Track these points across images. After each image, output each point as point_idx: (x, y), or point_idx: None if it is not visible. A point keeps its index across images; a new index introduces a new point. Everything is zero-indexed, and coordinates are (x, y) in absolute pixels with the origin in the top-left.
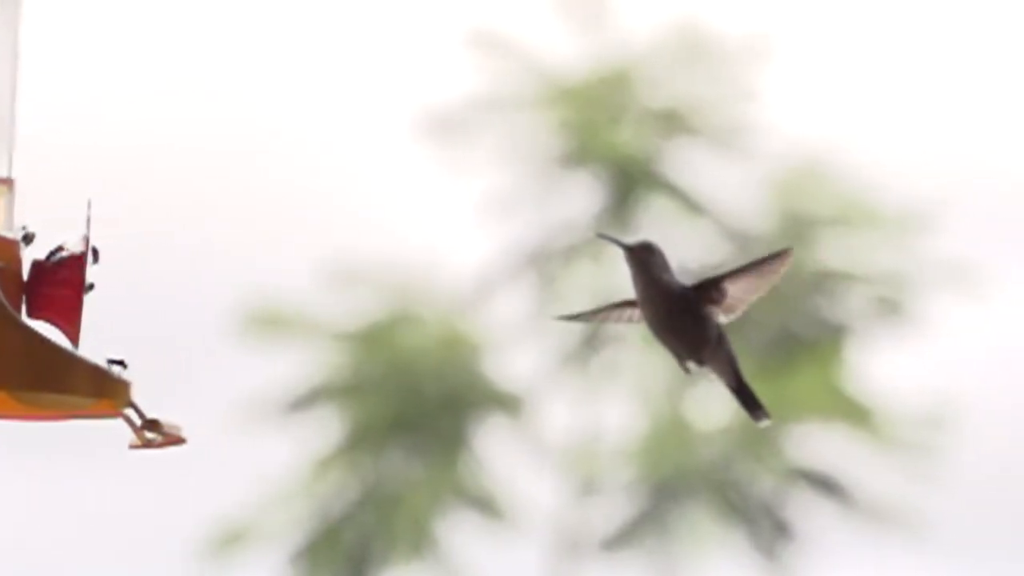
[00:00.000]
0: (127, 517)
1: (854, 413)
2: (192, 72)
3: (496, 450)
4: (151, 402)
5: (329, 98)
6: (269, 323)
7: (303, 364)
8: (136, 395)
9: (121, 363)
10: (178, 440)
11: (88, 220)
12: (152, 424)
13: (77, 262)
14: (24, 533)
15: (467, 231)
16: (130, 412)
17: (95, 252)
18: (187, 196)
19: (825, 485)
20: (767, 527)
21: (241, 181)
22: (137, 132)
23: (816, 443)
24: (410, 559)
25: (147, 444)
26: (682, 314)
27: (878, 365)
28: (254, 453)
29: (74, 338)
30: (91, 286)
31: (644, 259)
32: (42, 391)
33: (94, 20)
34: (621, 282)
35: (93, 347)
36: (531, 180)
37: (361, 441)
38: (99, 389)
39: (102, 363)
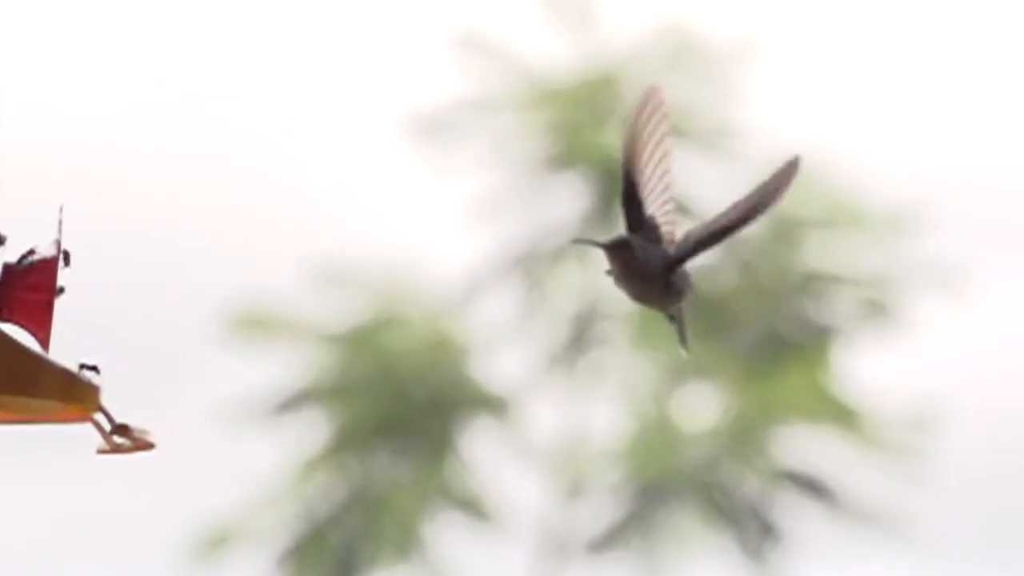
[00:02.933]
0: (112, 519)
1: (840, 415)
2: (176, 71)
3: (483, 452)
4: (138, 404)
5: (315, 99)
6: (255, 325)
7: (289, 366)
8: (123, 398)
9: (94, 368)
10: (147, 445)
11: (60, 224)
12: (121, 429)
13: (48, 266)
14: (6, 536)
15: (453, 233)
16: (99, 417)
17: (66, 256)
18: (171, 197)
19: (811, 487)
20: (753, 529)
21: (226, 182)
22: (120, 133)
23: (802, 445)
24: (397, 561)
25: (116, 449)
26: (667, 288)
27: (865, 367)
28: (240, 455)
29: (44, 342)
30: (62, 290)
31: (624, 256)
32: (11, 394)
33: (74, 16)
34: (608, 284)
35: (78, 349)
36: (518, 182)
37: (348, 443)
38: (69, 393)
39: (74, 367)
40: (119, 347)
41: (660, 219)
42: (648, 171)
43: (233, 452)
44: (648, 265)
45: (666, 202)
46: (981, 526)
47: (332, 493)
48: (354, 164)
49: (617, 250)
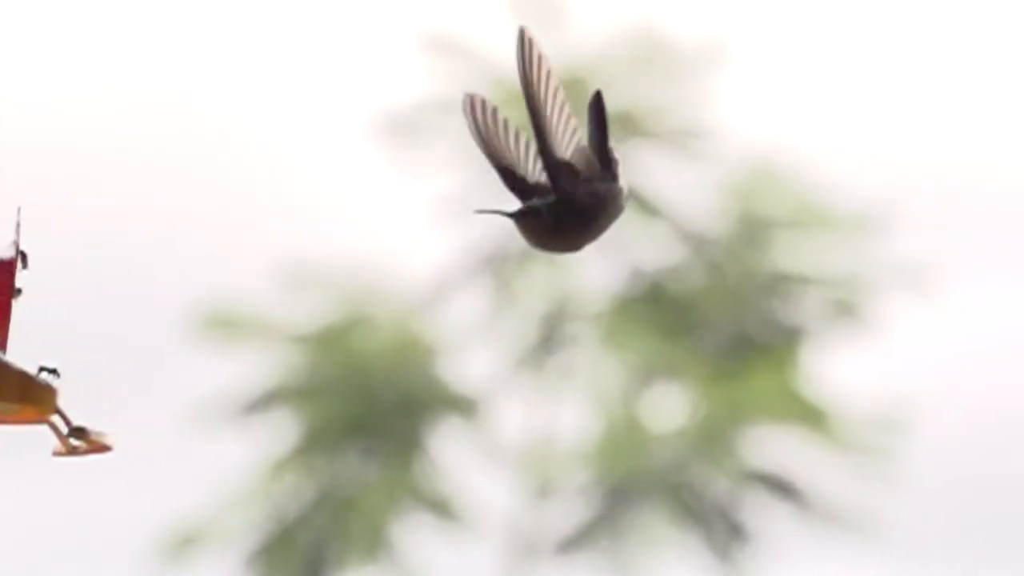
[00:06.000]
0: (81, 519)
1: (809, 416)
2: (144, 71)
3: (451, 452)
4: (107, 404)
5: (283, 99)
6: (224, 325)
7: (258, 366)
8: (92, 398)
9: (54, 371)
10: (104, 448)
11: (17, 226)
12: (78, 431)
13: (6, 268)
14: None
15: (422, 233)
16: (56, 419)
17: (24, 257)
18: (140, 197)
19: (780, 488)
20: (722, 529)
21: (194, 182)
22: (90, 134)
23: (771, 446)
24: (365, 561)
25: (72, 451)
26: (597, 231)
27: (833, 367)
28: (209, 455)
29: (1, 343)
30: (19, 291)
31: (532, 223)
32: None
33: (37, 12)
34: (577, 286)
35: (47, 350)
36: (486, 182)
37: (316, 443)
38: (25, 395)
39: (31, 369)
40: (86, 348)
41: (575, 157)
42: (553, 116)
43: (202, 452)
44: (566, 223)
45: (573, 134)
46: (951, 527)
47: (301, 493)
48: (323, 164)
49: (523, 218)
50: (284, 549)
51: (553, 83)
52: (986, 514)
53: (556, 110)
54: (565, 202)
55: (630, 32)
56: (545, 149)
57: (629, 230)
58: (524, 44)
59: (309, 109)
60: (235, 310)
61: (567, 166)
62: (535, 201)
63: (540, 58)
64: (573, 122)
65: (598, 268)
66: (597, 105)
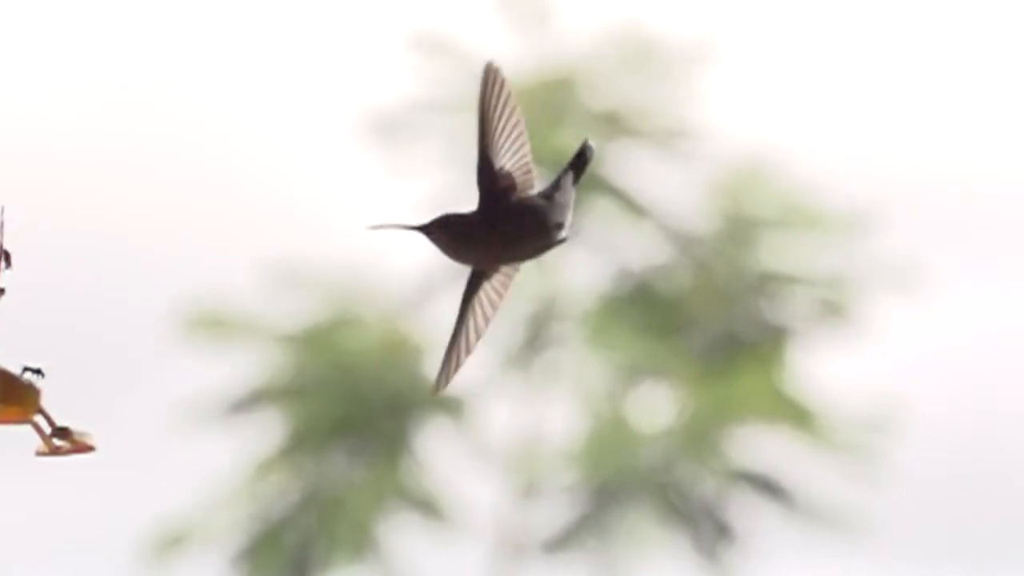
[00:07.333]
0: (66, 519)
1: (796, 415)
2: (130, 70)
3: (438, 452)
4: (92, 405)
5: (270, 99)
6: (210, 325)
7: (244, 366)
8: (76, 398)
9: (38, 371)
10: (87, 448)
11: (1, 225)
12: (62, 432)
13: None
14: None
15: (409, 234)
16: (39, 419)
17: (7, 257)
18: (127, 196)
19: (767, 487)
20: (709, 529)
21: (181, 182)
22: (76, 132)
23: (758, 445)
24: (352, 561)
25: (55, 451)
26: (516, 240)
27: (821, 367)
28: (195, 455)
29: None
30: (2, 291)
31: (445, 235)
32: None
33: (31, 13)
34: (564, 286)
35: (33, 349)
36: (473, 182)
37: (303, 443)
38: (8, 395)
39: (15, 369)
40: (73, 347)
41: (515, 173)
42: (501, 139)
43: (188, 452)
44: (472, 240)
45: (522, 156)
46: (938, 528)
47: (287, 493)
48: (310, 164)
49: (434, 231)
50: (270, 549)
51: (511, 102)
52: (975, 514)
53: (505, 123)
54: (485, 214)
55: (617, 31)
56: (485, 155)
57: (616, 230)
58: (489, 76)
59: (296, 109)
60: (222, 309)
61: (502, 176)
62: (442, 214)
63: (502, 82)
64: (521, 140)
65: (585, 268)
66: (582, 152)
